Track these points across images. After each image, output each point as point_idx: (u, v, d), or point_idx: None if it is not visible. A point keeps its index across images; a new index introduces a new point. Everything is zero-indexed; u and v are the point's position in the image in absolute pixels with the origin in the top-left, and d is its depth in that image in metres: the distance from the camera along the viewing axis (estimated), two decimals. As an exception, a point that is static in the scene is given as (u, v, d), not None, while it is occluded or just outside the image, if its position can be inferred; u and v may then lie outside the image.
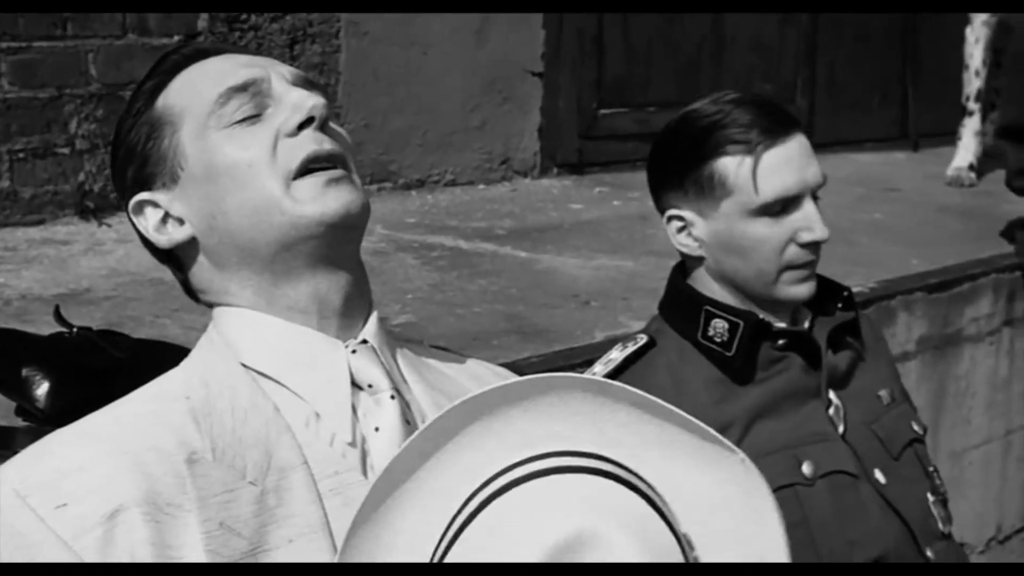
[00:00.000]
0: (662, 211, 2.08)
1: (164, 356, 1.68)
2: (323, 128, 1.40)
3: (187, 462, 1.27)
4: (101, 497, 1.23)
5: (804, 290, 2.01)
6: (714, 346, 2.00)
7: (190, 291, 1.48)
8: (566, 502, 1.13)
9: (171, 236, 1.42)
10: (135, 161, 1.43)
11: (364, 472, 1.37)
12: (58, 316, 1.89)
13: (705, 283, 2.06)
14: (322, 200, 1.36)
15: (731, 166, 1.99)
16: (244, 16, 3.62)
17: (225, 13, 3.56)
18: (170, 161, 1.40)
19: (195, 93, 1.40)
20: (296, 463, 1.32)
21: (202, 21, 3.53)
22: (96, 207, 3.34)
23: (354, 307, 1.43)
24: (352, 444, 1.37)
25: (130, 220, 1.45)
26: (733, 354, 1.98)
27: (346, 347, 1.41)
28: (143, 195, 1.42)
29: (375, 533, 1.22)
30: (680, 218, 2.05)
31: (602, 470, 1.15)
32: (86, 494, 1.23)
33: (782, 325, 2.04)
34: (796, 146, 1.99)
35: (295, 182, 1.36)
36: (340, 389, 1.38)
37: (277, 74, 1.42)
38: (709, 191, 2.01)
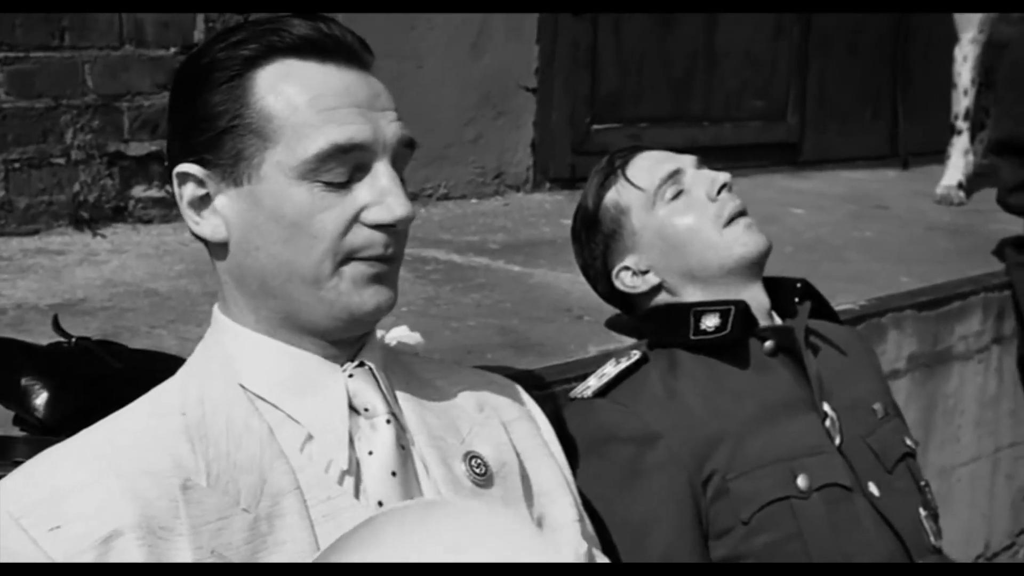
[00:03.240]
0: (615, 269, 2.15)
1: (161, 366, 1.68)
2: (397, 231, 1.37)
3: (182, 488, 1.26)
4: (96, 521, 1.22)
5: (756, 238, 2.04)
6: (709, 335, 2.01)
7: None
8: None
9: (202, 227, 1.37)
10: (203, 131, 1.35)
11: (357, 495, 1.37)
12: (56, 326, 1.89)
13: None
14: (360, 294, 1.36)
15: (614, 197, 2.15)
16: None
17: (222, 25, 3.57)
18: (243, 166, 1.34)
19: (299, 121, 1.32)
20: (289, 489, 1.32)
21: (199, 32, 3.54)
22: (91, 218, 3.35)
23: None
24: (347, 471, 1.37)
25: (168, 176, 1.39)
26: (730, 331, 2.00)
27: (343, 370, 1.41)
28: (196, 170, 1.36)
29: None
30: (627, 268, 2.11)
31: None
32: (80, 517, 1.23)
33: (765, 324, 2.06)
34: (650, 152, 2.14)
35: (345, 267, 1.35)
36: (338, 415, 1.38)
37: (382, 139, 1.35)
38: (619, 232, 2.13)
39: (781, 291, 2.15)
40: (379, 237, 1.35)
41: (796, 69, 5.45)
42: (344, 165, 1.33)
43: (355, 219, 1.34)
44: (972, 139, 5.04)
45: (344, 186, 1.34)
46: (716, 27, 5.08)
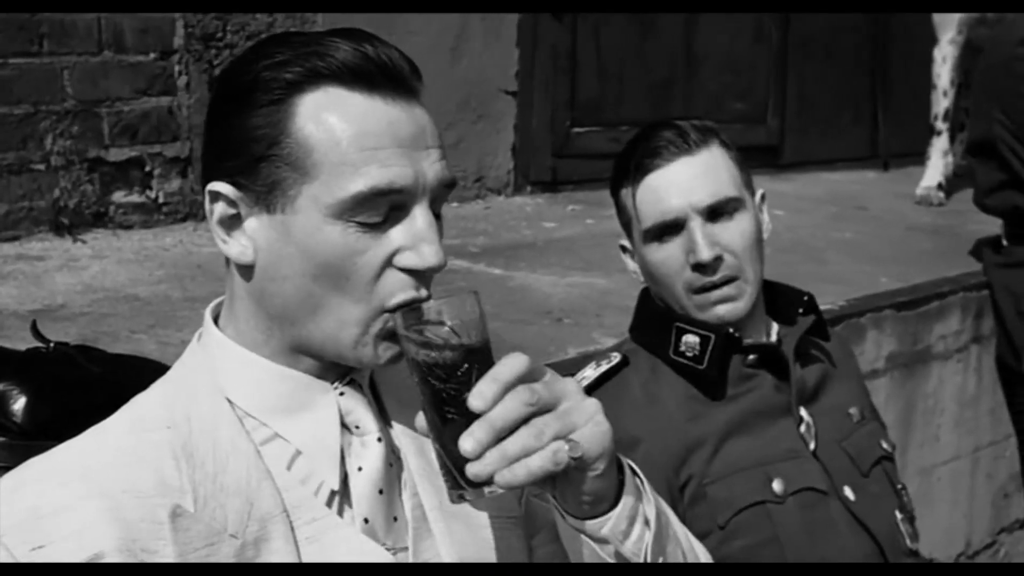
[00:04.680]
0: (621, 239, 2.13)
1: (141, 371, 1.68)
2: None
3: (171, 516, 1.25)
4: (77, 544, 1.21)
5: (722, 312, 2.00)
6: (686, 361, 2.02)
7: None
8: None
9: (230, 247, 1.33)
10: (239, 154, 1.31)
11: (341, 512, 1.37)
12: (35, 331, 1.88)
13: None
14: (377, 349, 1.32)
15: (626, 197, 2.05)
16: (219, 35, 3.63)
17: (201, 30, 3.58)
18: (277, 195, 1.30)
19: (339, 158, 1.28)
20: (276, 512, 1.31)
21: (178, 38, 3.54)
22: (71, 223, 3.34)
23: None
24: (337, 492, 1.37)
25: (203, 190, 1.35)
26: (706, 367, 2.00)
27: (334, 388, 1.41)
28: (229, 191, 1.31)
29: None
30: (623, 247, 2.10)
31: None
32: (63, 538, 1.22)
33: (750, 341, 2.05)
34: (681, 169, 1.98)
35: (374, 323, 1.32)
36: (331, 434, 1.37)
37: (423, 182, 1.31)
38: (626, 221, 2.06)
39: (784, 298, 2.14)
40: (410, 281, 1.32)
41: (776, 72, 5.47)
42: (381, 207, 1.29)
43: (388, 262, 1.31)
44: (952, 140, 5.06)
45: (378, 227, 1.30)
46: (696, 31, 5.10)
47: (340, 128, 1.28)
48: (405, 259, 1.30)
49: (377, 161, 1.28)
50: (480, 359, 1.22)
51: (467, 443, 1.18)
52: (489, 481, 1.19)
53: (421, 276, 1.32)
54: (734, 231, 1.99)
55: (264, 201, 1.31)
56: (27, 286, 2.87)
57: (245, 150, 1.30)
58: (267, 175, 1.30)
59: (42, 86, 3.29)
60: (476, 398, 1.19)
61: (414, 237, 1.31)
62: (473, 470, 1.19)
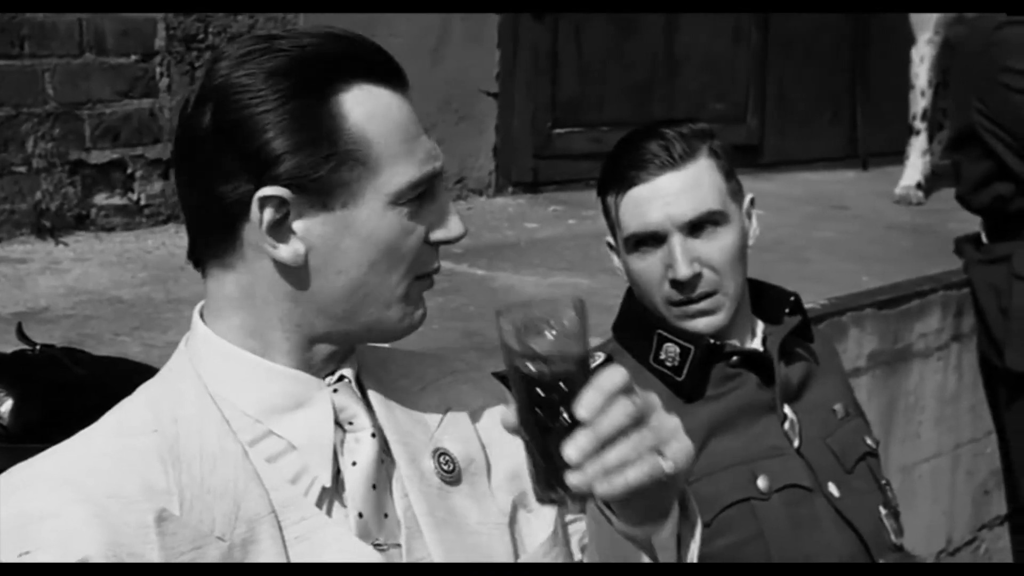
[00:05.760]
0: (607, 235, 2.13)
1: (127, 374, 1.68)
2: None
3: (156, 520, 1.26)
4: (64, 549, 1.22)
5: (700, 326, 2.01)
6: (665, 370, 2.02)
7: (199, 259, 1.41)
8: None
9: (281, 252, 1.34)
10: (294, 156, 1.32)
11: (331, 510, 1.38)
12: (20, 334, 1.88)
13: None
14: (415, 313, 1.42)
15: (610, 204, 2.05)
16: (201, 36, 3.63)
17: (182, 32, 3.57)
18: (338, 192, 1.34)
19: (391, 150, 1.35)
20: (263, 513, 1.32)
21: (159, 40, 3.54)
22: (53, 226, 3.34)
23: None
24: (329, 488, 1.38)
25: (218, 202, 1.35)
26: (684, 379, 2.01)
27: (327, 384, 1.42)
28: (284, 193, 1.32)
29: None
30: (610, 244, 2.11)
31: None
32: (49, 544, 1.22)
33: (735, 343, 2.06)
34: (664, 184, 1.98)
35: (412, 286, 1.40)
36: (325, 431, 1.38)
37: (441, 167, 1.41)
38: (611, 225, 2.07)
39: (770, 298, 2.15)
40: (436, 252, 1.42)
41: (756, 72, 5.49)
42: (420, 190, 1.38)
43: (423, 239, 1.39)
44: (930, 139, 5.09)
45: (416, 211, 1.38)
46: (676, 32, 5.11)
47: (384, 122, 1.36)
48: (439, 234, 1.40)
49: (420, 149, 1.38)
50: (583, 369, 1.24)
51: (571, 451, 1.20)
52: (587, 489, 1.22)
53: (443, 248, 1.43)
54: (715, 246, 1.99)
55: (323, 199, 1.34)
56: (9, 289, 2.86)
57: (299, 153, 1.32)
58: (329, 174, 1.33)
59: (23, 88, 3.29)
60: (583, 408, 1.21)
61: (441, 213, 1.41)
62: (574, 479, 1.21)
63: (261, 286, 1.37)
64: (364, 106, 1.35)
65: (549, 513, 1.52)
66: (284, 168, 1.32)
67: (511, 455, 1.52)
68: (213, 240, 1.37)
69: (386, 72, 1.39)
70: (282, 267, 1.36)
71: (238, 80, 1.34)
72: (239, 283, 1.38)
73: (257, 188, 1.32)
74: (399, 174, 1.35)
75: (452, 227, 1.41)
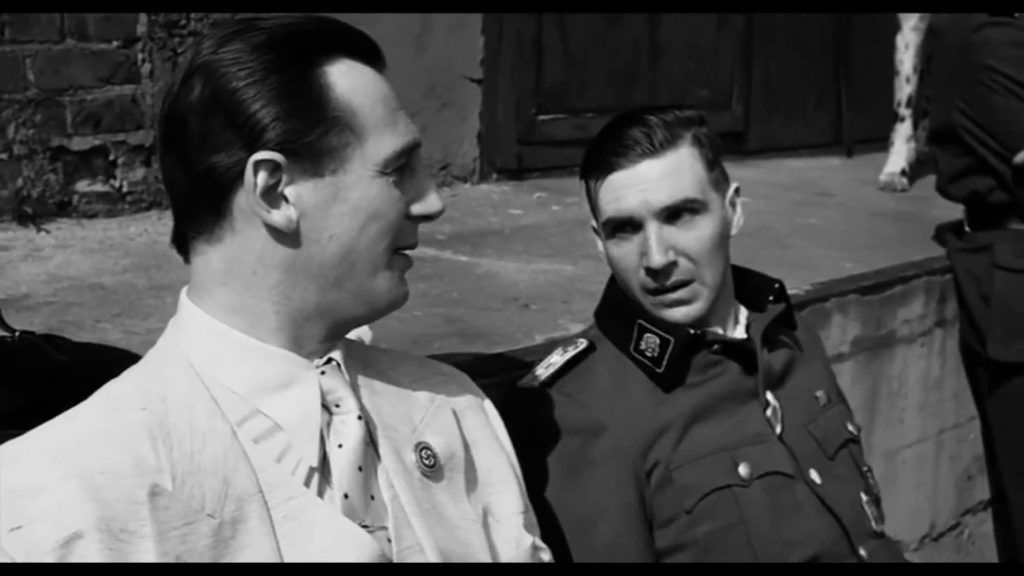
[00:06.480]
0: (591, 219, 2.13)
1: (108, 360, 1.68)
2: None
3: (149, 495, 1.27)
4: (55, 523, 1.23)
5: (677, 315, 2.02)
6: (645, 360, 2.02)
7: (183, 241, 1.44)
8: None
9: (274, 216, 1.38)
10: (285, 122, 1.37)
11: (321, 490, 1.38)
12: (0, 321, 1.88)
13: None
14: (401, 286, 1.47)
15: (591, 189, 2.05)
16: (183, 22, 3.61)
17: (164, 18, 3.55)
18: (328, 158, 1.39)
19: (377, 120, 1.41)
20: (252, 492, 1.33)
21: (141, 26, 3.52)
22: (35, 213, 3.32)
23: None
24: (316, 468, 1.38)
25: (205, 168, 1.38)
26: (663, 371, 2.01)
27: (315, 366, 1.42)
28: (277, 157, 1.36)
29: None
30: (595, 229, 2.11)
31: None
32: (40, 519, 1.23)
33: (718, 330, 2.06)
34: (642, 171, 1.98)
35: (394, 258, 1.45)
36: (312, 412, 1.40)
37: (419, 140, 1.46)
38: (593, 209, 2.07)
39: (754, 284, 2.15)
40: (415, 229, 1.47)
41: (740, 59, 5.48)
42: (401, 162, 1.43)
43: (405, 211, 1.44)
44: (915, 126, 5.09)
45: (398, 183, 1.43)
46: (660, 19, 5.10)
47: (369, 93, 1.42)
48: (420, 207, 1.46)
49: (401, 120, 1.44)
50: None
51: None
52: None
53: (422, 223, 1.48)
54: (692, 235, 1.99)
55: (314, 165, 1.38)
56: (-9, 276, 2.85)
57: (290, 119, 1.37)
58: (319, 139, 1.38)
59: (4, 74, 3.26)
60: None
61: (421, 187, 1.46)
62: None
63: (250, 257, 1.39)
64: (348, 78, 1.40)
65: (515, 522, 1.54)
66: (275, 134, 1.36)
67: (487, 461, 1.54)
68: (202, 214, 1.40)
69: (367, 51, 1.44)
70: (274, 234, 1.39)
71: (225, 55, 1.38)
72: (226, 256, 1.39)
73: (250, 155, 1.36)
74: (384, 143, 1.41)
75: (431, 202, 1.46)
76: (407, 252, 1.48)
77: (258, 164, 1.36)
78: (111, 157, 3.48)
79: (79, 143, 3.42)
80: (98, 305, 2.64)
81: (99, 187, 3.46)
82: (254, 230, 1.39)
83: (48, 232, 3.29)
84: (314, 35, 1.41)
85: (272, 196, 1.37)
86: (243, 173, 1.36)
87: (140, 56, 3.53)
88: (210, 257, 1.41)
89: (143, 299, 2.68)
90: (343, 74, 1.40)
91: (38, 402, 1.52)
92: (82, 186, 3.44)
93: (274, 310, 1.40)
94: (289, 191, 1.38)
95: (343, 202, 1.39)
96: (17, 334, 1.84)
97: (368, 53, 1.45)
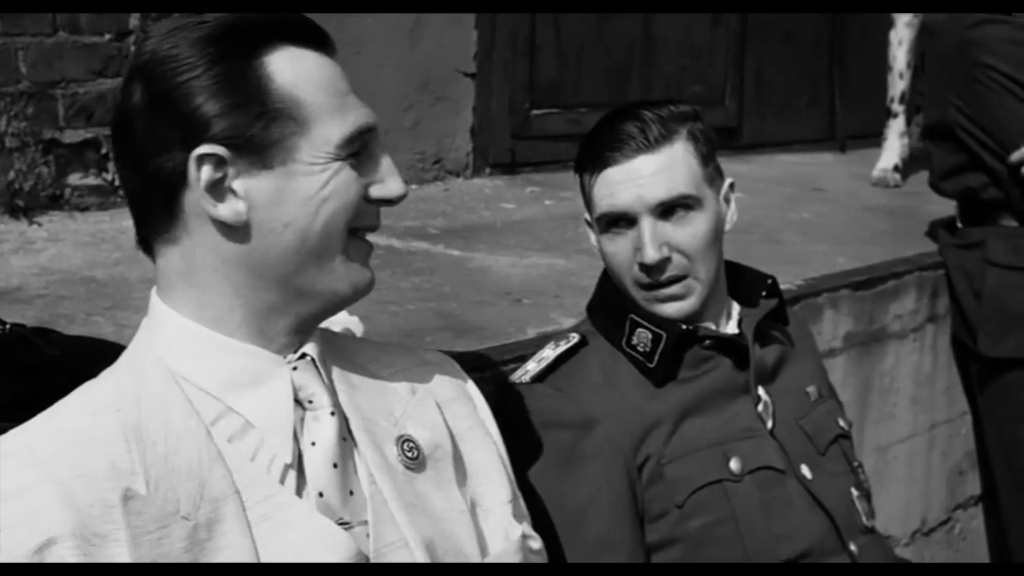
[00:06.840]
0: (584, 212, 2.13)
1: (98, 353, 1.67)
2: None
3: (123, 499, 1.26)
4: (29, 529, 1.23)
5: (670, 311, 2.01)
6: (637, 355, 2.02)
7: (147, 243, 1.44)
8: None
9: (221, 210, 1.37)
10: (227, 116, 1.35)
11: (298, 487, 1.38)
12: (-10, 314, 1.87)
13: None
14: (362, 271, 1.45)
15: (585, 183, 2.05)
16: (175, 14, 3.60)
17: (157, 13, 3.55)
18: (274, 149, 1.37)
19: (323, 107, 1.39)
20: (228, 493, 1.32)
21: (133, 19, 3.51)
22: (26, 206, 3.31)
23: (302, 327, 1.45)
24: (290, 464, 1.38)
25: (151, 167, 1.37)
26: (654, 366, 2.01)
27: (287, 362, 1.41)
28: (221, 151, 1.35)
29: None
30: (588, 222, 2.11)
31: None
32: (15, 524, 1.23)
33: (710, 326, 2.06)
34: (637, 166, 1.98)
35: (351, 243, 1.43)
36: (283, 409, 1.39)
37: (373, 123, 1.44)
38: (587, 203, 2.07)
39: (747, 280, 2.15)
40: (376, 211, 1.46)
41: (734, 54, 5.48)
42: (356, 146, 1.41)
43: (362, 195, 1.42)
44: (908, 122, 5.09)
45: (355, 166, 1.41)
46: (654, 14, 5.10)
47: (313, 81, 1.39)
48: (379, 191, 1.44)
49: (350, 105, 1.42)
50: None
51: None
52: None
53: (383, 207, 1.46)
54: (686, 231, 1.99)
55: (260, 158, 1.36)
56: (-18, 269, 2.85)
57: (231, 114, 1.35)
58: (262, 133, 1.36)
59: (-4, 67, 3.26)
60: None
61: (381, 170, 1.44)
62: None
63: (207, 254, 1.38)
64: (290, 66, 1.38)
65: (504, 512, 1.54)
66: (218, 129, 1.35)
67: (475, 451, 1.53)
68: (157, 215, 1.40)
69: (310, 35, 1.42)
70: (225, 230, 1.38)
71: (165, 53, 1.37)
72: (185, 255, 1.39)
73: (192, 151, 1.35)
74: (332, 128, 1.39)
75: (391, 186, 1.44)
76: (368, 238, 1.47)
77: (201, 159, 1.35)
78: (103, 150, 3.47)
79: (71, 136, 3.41)
80: (90, 298, 2.64)
81: (91, 180, 3.46)
82: (206, 227, 1.38)
83: (40, 225, 3.29)
84: (254, 26, 1.39)
85: (219, 190, 1.36)
86: (187, 172, 1.35)
87: (132, 49, 3.53)
88: (170, 257, 1.41)
89: (134, 292, 2.68)
90: (285, 63, 1.38)
91: (29, 395, 1.52)
92: (74, 179, 3.43)
93: (238, 303, 1.39)
94: (237, 184, 1.37)
95: (294, 191, 1.38)
96: (8, 327, 1.83)
97: (312, 39, 1.42)
